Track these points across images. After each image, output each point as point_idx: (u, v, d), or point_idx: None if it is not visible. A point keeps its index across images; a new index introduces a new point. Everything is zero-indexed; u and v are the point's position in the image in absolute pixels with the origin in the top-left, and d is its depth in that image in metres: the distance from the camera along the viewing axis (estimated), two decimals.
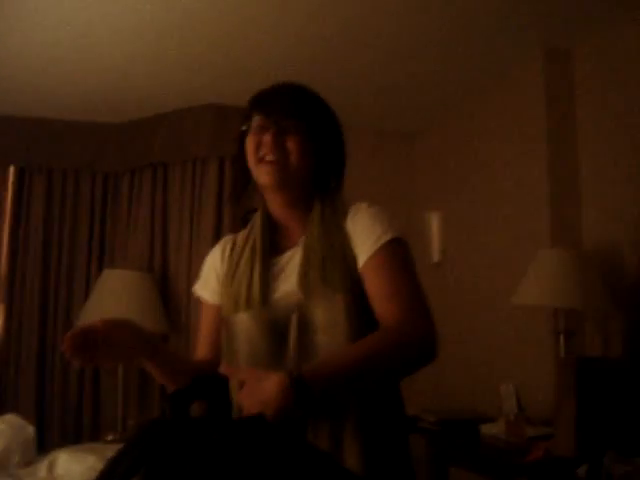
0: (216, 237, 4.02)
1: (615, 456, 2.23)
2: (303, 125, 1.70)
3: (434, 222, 4.39)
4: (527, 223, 3.55)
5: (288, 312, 1.54)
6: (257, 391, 1.37)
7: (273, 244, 1.79)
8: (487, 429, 3.01)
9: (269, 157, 1.69)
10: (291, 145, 1.69)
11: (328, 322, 1.55)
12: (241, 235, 1.85)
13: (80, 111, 4.38)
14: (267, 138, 1.69)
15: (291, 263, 1.71)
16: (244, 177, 1.80)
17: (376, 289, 1.60)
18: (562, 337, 3.06)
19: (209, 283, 1.88)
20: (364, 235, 1.65)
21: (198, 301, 1.93)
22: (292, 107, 1.71)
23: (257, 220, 1.82)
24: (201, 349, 1.88)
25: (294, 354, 1.52)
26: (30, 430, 3.30)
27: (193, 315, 4.06)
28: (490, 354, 3.72)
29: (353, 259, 1.64)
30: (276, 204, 1.79)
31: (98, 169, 4.55)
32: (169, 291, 4.32)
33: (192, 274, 4.13)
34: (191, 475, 0.99)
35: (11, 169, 4.47)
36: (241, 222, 1.91)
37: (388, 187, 4.56)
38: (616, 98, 3.22)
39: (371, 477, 1.54)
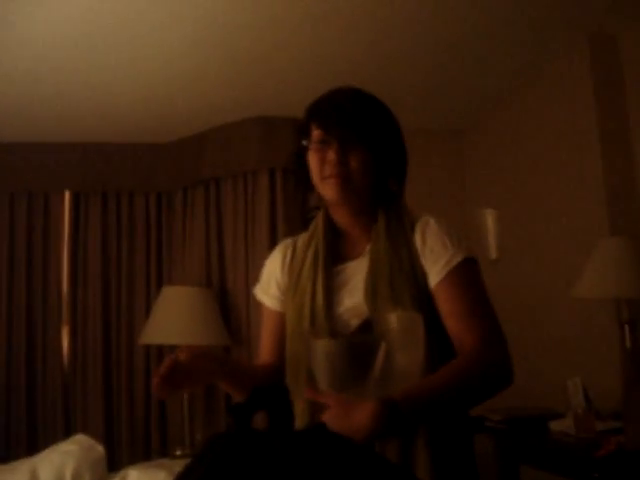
0: (271, 248, 4.02)
1: None
2: (364, 138, 1.69)
3: (489, 219, 4.34)
4: (584, 214, 3.48)
5: (374, 341, 1.49)
6: (346, 418, 1.36)
7: (336, 251, 1.79)
8: (556, 425, 2.96)
9: (334, 175, 1.69)
10: (354, 162, 1.68)
11: (406, 342, 1.53)
12: (302, 239, 1.84)
13: (130, 133, 4.45)
14: (330, 156, 1.69)
15: (356, 274, 1.70)
16: (307, 187, 1.81)
17: (451, 310, 1.61)
18: (627, 327, 3.00)
19: (270, 289, 1.90)
20: (436, 254, 1.64)
21: (259, 304, 1.94)
22: (352, 120, 1.69)
23: (319, 224, 1.82)
24: (264, 353, 1.89)
25: (377, 379, 1.49)
26: (100, 449, 3.35)
27: (253, 327, 4.09)
28: (554, 349, 3.66)
29: (423, 276, 1.64)
30: (339, 214, 1.80)
31: (151, 189, 4.62)
32: (228, 304, 4.36)
33: (250, 286, 4.14)
34: None
35: (67, 194, 4.56)
36: (302, 222, 1.90)
37: (439, 186, 4.53)
38: None
39: None
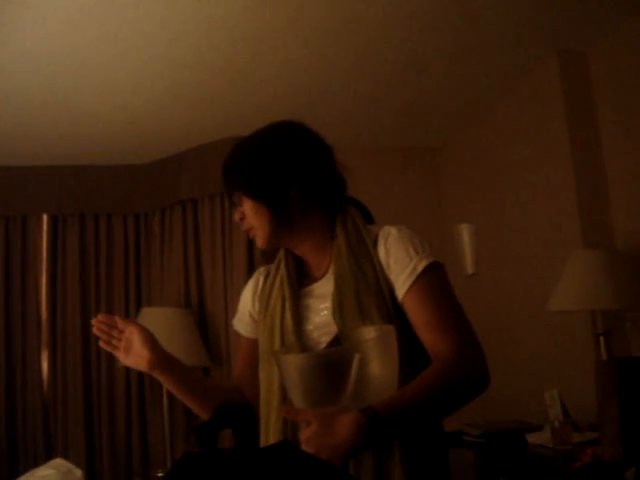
0: (249, 268, 4.06)
1: None
2: (243, 194, 1.70)
3: (465, 234, 4.37)
4: (558, 227, 3.52)
5: (348, 353, 1.46)
6: (327, 433, 1.35)
7: (302, 273, 1.79)
8: (534, 438, 2.98)
9: (245, 231, 1.76)
10: (246, 212, 1.71)
11: (380, 353, 1.49)
12: (274, 266, 1.85)
13: (107, 156, 4.47)
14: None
15: (323, 293, 1.70)
16: None
17: (421, 319, 1.59)
18: (602, 339, 3.03)
19: (243, 317, 1.91)
20: (399, 265, 1.63)
21: (237, 334, 1.95)
22: (229, 181, 1.73)
23: (281, 253, 1.83)
24: (237, 381, 1.90)
25: (352, 391, 1.45)
26: (78, 474, 3.33)
27: (232, 347, 4.10)
28: (532, 362, 3.69)
29: (388, 288, 1.63)
30: (291, 249, 1.80)
31: (129, 210, 4.63)
32: (207, 325, 4.36)
33: (228, 307, 4.17)
34: None
35: (44, 217, 4.56)
36: (264, 255, 1.92)
37: (415, 203, 4.57)
38: (635, 95, 3.20)
39: None
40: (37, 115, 3.78)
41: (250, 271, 4.11)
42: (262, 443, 1.67)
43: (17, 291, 4.42)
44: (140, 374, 4.32)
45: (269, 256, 1.86)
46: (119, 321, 1.77)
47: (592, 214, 3.38)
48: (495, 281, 4.13)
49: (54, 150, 4.31)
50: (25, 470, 3.55)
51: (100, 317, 1.78)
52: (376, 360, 1.47)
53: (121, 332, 1.77)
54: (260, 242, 1.73)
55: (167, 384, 1.79)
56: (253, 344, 1.84)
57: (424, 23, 3.13)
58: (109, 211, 4.60)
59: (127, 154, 4.47)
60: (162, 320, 4.09)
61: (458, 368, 1.52)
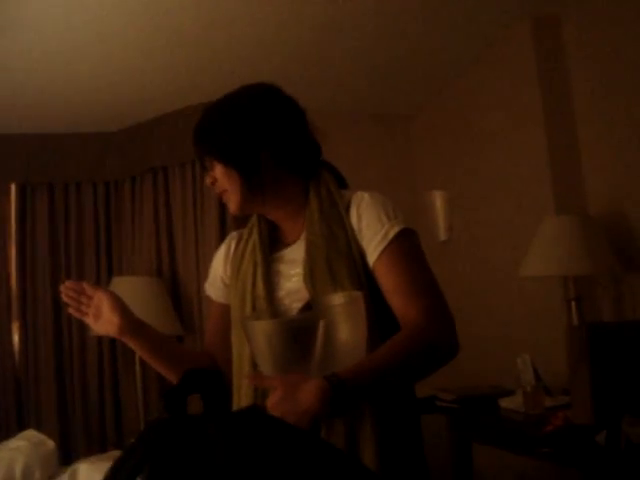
0: (221, 235, 4.02)
1: (632, 420, 2.21)
2: (214, 157, 1.69)
3: (438, 201, 4.37)
4: (530, 193, 3.53)
5: (313, 319, 1.46)
6: (292, 399, 1.36)
7: (275, 239, 1.78)
8: (506, 403, 3.00)
9: (218, 196, 1.76)
10: (218, 178, 1.70)
11: (347, 319, 1.49)
12: (246, 231, 1.84)
13: (77, 123, 4.38)
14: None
15: (295, 259, 1.69)
16: None
17: (392, 285, 1.59)
18: (574, 304, 3.05)
19: (215, 282, 1.90)
20: (371, 230, 1.62)
21: (208, 299, 1.95)
22: (199, 146, 1.72)
23: (254, 219, 1.82)
24: (207, 346, 1.90)
25: (319, 358, 1.45)
26: (50, 445, 3.32)
27: (205, 315, 4.07)
28: (504, 328, 3.71)
29: (360, 254, 1.62)
30: (263, 214, 1.79)
31: (99, 179, 4.56)
32: (180, 294, 4.33)
33: (201, 275, 4.14)
34: (192, 473, 0.99)
35: (12, 186, 4.49)
36: (236, 220, 1.91)
37: (389, 170, 4.55)
38: (608, 60, 3.19)
39: (386, 473, 1.53)
40: (3, 82, 3.69)
41: (222, 239, 4.04)
42: (234, 409, 1.67)
43: None
44: (112, 343, 4.29)
45: (241, 221, 1.86)
46: (87, 287, 1.77)
47: (564, 180, 3.38)
48: (468, 247, 4.13)
49: (21, 118, 4.22)
50: None
51: (68, 284, 1.78)
52: (343, 326, 1.47)
53: (90, 298, 1.76)
54: (232, 207, 1.71)
55: (138, 349, 1.79)
56: (224, 309, 1.84)
57: None
58: (78, 180, 4.53)
59: (97, 122, 4.40)
60: (134, 289, 4.06)
61: (426, 335, 1.52)
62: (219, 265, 1.90)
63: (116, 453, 3.49)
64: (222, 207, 4.15)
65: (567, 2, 3.32)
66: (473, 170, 4.05)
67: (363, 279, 1.60)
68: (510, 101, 3.67)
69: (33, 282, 4.41)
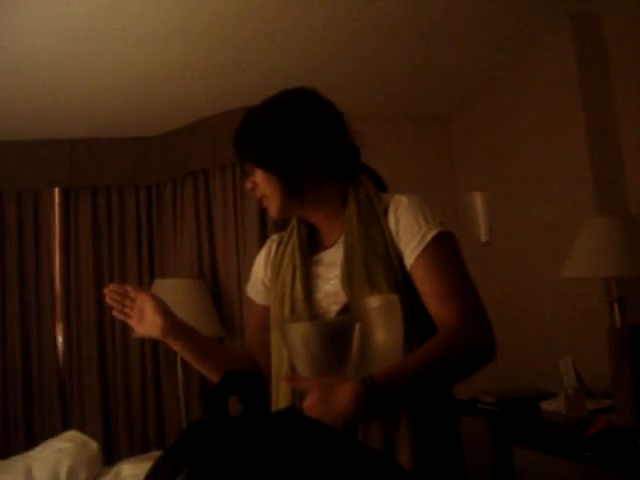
0: (262, 237, 4.05)
1: None
2: (254, 163, 1.71)
3: (479, 202, 4.34)
4: (571, 193, 3.49)
5: (349, 322, 1.47)
6: (328, 402, 1.36)
7: (314, 242, 1.80)
8: (547, 405, 2.97)
9: (258, 201, 1.78)
10: (259, 183, 1.72)
11: (384, 322, 1.50)
12: (286, 233, 1.86)
13: (118, 127, 4.44)
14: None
15: (333, 262, 1.71)
16: None
17: (429, 288, 1.59)
18: (616, 306, 3.01)
19: (256, 284, 1.93)
20: (409, 233, 1.63)
21: (249, 300, 1.97)
22: (240, 152, 1.74)
23: (293, 222, 1.84)
24: (248, 348, 1.93)
25: (356, 360, 1.47)
26: (94, 446, 3.36)
27: (246, 317, 4.10)
28: (546, 329, 3.68)
29: (398, 257, 1.63)
30: (303, 217, 1.81)
31: (140, 182, 4.62)
32: (221, 295, 4.36)
33: (242, 277, 4.17)
34: (231, 474, 1.00)
35: (56, 190, 4.57)
36: (276, 224, 1.92)
37: (428, 171, 4.54)
38: None
39: (423, 474, 1.53)
40: (47, 89, 3.75)
41: (262, 241, 4.09)
42: (272, 409, 1.69)
43: (31, 265, 4.43)
44: (155, 344, 4.34)
45: (281, 224, 1.87)
46: (130, 290, 1.79)
47: (606, 180, 3.34)
48: (509, 249, 4.10)
49: (65, 124, 4.28)
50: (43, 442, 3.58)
51: (112, 286, 1.80)
52: (380, 329, 1.48)
53: (133, 301, 1.79)
54: (273, 211, 1.74)
55: (180, 350, 1.82)
56: (265, 311, 1.86)
57: None
58: (121, 183, 4.60)
59: (138, 126, 4.45)
60: (175, 291, 4.10)
61: (463, 338, 1.52)
62: (260, 267, 1.92)
63: (158, 454, 3.52)
64: (262, 210, 4.16)
65: (607, 0, 3.28)
66: (513, 171, 4.02)
67: (401, 282, 1.61)
68: (550, 101, 3.64)
69: (77, 284, 4.48)
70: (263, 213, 4.15)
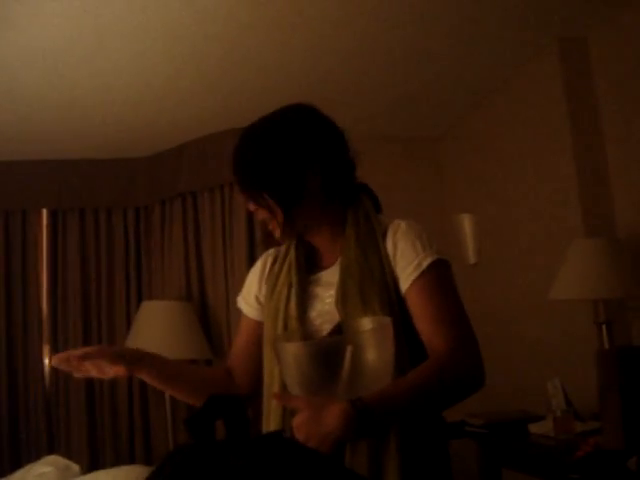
0: (250, 259, 4.05)
1: None
2: (255, 190, 1.67)
3: (467, 223, 4.35)
4: (559, 216, 3.50)
5: (340, 343, 1.47)
6: (316, 421, 1.36)
7: (312, 261, 1.80)
8: (536, 428, 2.97)
9: (260, 220, 1.76)
10: (261, 207, 1.69)
11: (375, 344, 1.50)
12: (283, 249, 1.85)
13: (106, 149, 4.45)
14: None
15: (329, 282, 1.71)
16: None
17: (422, 313, 1.60)
18: (604, 328, 3.01)
19: (248, 297, 1.90)
20: (406, 258, 1.64)
21: (240, 313, 1.94)
22: (241, 179, 1.70)
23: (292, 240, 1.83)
24: (231, 359, 1.91)
25: (346, 381, 1.44)
26: (76, 469, 3.31)
27: (234, 339, 4.09)
28: (534, 351, 3.67)
29: (393, 281, 1.64)
30: (304, 238, 1.80)
31: (129, 204, 4.62)
32: (209, 318, 4.35)
33: (230, 299, 4.16)
34: None
35: (44, 211, 4.56)
36: (267, 239, 1.88)
37: (417, 193, 4.55)
38: (637, 81, 3.17)
39: None
40: (35, 110, 3.76)
41: (251, 263, 4.06)
42: (263, 428, 1.70)
43: (18, 286, 4.41)
44: None
45: (273, 240, 1.81)
46: (75, 354, 1.71)
47: (593, 202, 3.35)
48: (497, 271, 4.11)
49: (53, 145, 4.30)
50: (28, 462, 3.53)
51: (56, 359, 1.71)
52: (371, 351, 1.48)
53: (81, 360, 1.71)
54: (276, 234, 1.72)
55: (148, 381, 1.80)
56: (254, 325, 1.85)
57: (424, 12, 3.10)
58: (109, 205, 4.60)
59: (126, 148, 4.46)
60: (163, 313, 4.09)
61: (452, 364, 1.53)
62: (254, 282, 1.90)
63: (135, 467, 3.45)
64: (251, 232, 4.18)
65: (594, 23, 3.31)
66: (502, 193, 4.03)
67: (395, 305, 1.62)
68: (538, 123, 3.66)
69: (64, 306, 4.46)
70: (251, 235, 4.16)
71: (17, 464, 3.99)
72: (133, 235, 4.61)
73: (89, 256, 4.54)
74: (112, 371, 1.74)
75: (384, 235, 1.69)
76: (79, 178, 4.54)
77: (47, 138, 4.18)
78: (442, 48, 3.46)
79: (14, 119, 3.83)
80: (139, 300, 4.47)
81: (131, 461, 4.30)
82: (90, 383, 4.37)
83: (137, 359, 1.76)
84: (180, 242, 4.46)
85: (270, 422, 1.68)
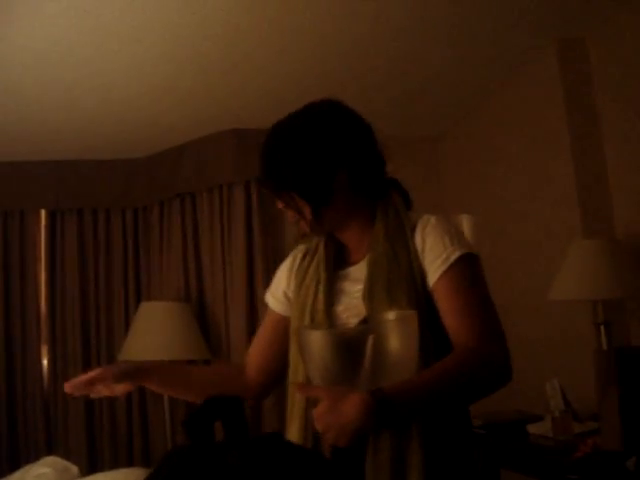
0: (249, 260, 4.07)
1: None
2: (285, 189, 1.68)
3: (465, 224, 4.34)
4: (557, 217, 3.50)
5: (363, 332, 1.47)
6: (336, 411, 1.36)
7: (341, 257, 1.80)
8: (534, 429, 2.97)
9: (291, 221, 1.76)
10: (284, 205, 1.71)
11: (398, 336, 1.49)
12: (313, 245, 1.85)
13: (105, 150, 4.45)
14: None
15: (357, 278, 1.71)
16: None
17: (449, 306, 1.60)
18: (602, 329, 3.01)
19: (276, 291, 1.92)
20: (434, 252, 1.63)
21: (267, 307, 1.96)
22: (269, 178, 1.70)
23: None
24: (251, 351, 1.93)
25: (368, 372, 1.44)
26: (74, 470, 3.30)
27: (233, 340, 4.10)
28: (533, 352, 3.66)
29: (421, 275, 1.63)
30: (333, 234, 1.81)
31: (127, 204, 4.62)
32: (207, 318, 4.34)
33: (228, 299, 4.17)
34: None
35: (42, 212, 4.56)
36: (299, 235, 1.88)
37: (416, 193, 4.50)
38: (635, 82, 3.18)
39: None
40: (33, 111, 3.76)
41: (250, 264, 4.12)
42: (287, 421, 1.73)
43: (16, 287, 4.41)
44: None
45: (304, 235, 1.83)
46: (82, 379, 1.79)
47: (592, 203, 3.36)
48: (495, 271, 4.07)
49: (51, 145, 4.28)
50: (27, 463, 3.52)
51: (68, 389, 1.80)
52: (394, 342, 1.47)
53: (90, 384, 1.79)
54: (305, 230, 1.74)
55: (160, 391, 1.93)
56: (279, 320, 1.88)
57: (422, 13, 3.10)
58: (107, 206, 4.59)
59: (124, 148, 4.45)
60: (162, 314, 4.09)
61: (478, 357, 1.52)
62: (282, 277, 1.91)
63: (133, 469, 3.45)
64: (249, 233, 4.18)
65: (593, 24, 3.31)
66: (500, 194, 4.03)
67: (422, 300, 1.61)
68: (537, 124, 3.66)
69: (62, 306, 4.45)
70: (250, 236, 4.16)
71: (16, 465, 3.98)
72: (131, 236, 4.60)
73: (87, 257, 4.53)
74: (121, 389, 1.82)
75: (413, 230, 1.69)
76: (77, 179, 4.54)
77: (46, 139, 4.16)
78: (441, 48, 3.46)
79: (11, 120, 3.82)
80: (138, 300, 4.47)
81: (129, 462, 4.30)
82: None
83: (142, 373, 1.83)
84: (179, 243, 4.45)
85: (294, 415, 1.70)
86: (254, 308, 4.06)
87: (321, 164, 1.66)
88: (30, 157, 4.42)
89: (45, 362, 4.42)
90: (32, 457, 3.91)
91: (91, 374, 1.77)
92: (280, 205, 1.72)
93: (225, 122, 4.12)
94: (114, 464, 4.26)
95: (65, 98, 3.65)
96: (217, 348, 4.25)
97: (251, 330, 3.90)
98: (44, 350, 4.44)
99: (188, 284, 4.41)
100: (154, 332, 4.02)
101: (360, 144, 1.73)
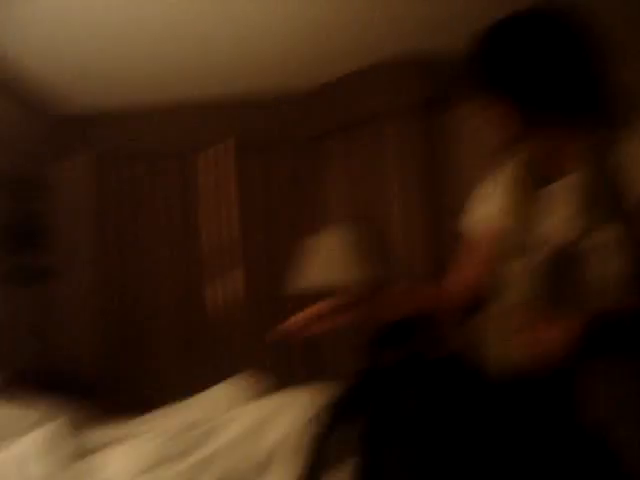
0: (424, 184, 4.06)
1: None
2: (497, 93, 1.64)
3: None
4: None
5: (569, 254, 1.43)
6: (542, 337, 1.33)
7: (542, 175, 1.73)
8: None
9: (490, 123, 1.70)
10: (490, 110, 1.66)
11: (605, 257, 1.44)
12: (516, 162, 1.80)
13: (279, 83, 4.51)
14: None
15: (560, 196, 1.65)
16: None
17: None
18: None
19: (484, 208, 1.89)
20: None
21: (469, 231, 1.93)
22: (483, 81, 1.65)
23: (525, 154, 1.78)
24: (454, 272, 1.93)
25: (575, 293, 1.42)
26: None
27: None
28: None
29: (628, 191, 1.52)
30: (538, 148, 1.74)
31: (305, 135, 4.67)
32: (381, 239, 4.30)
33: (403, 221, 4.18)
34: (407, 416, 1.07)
35: (231, 146, 4.65)
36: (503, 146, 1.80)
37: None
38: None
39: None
40: (207, 51, 3.90)
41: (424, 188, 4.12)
42: (489, 342, 1.68)
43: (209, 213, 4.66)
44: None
45: (508, 147, 1.79)
46: (308, 317, 1.81)
47: None
48: None
49: (226, 82, 4.45)
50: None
51: (292, 327, 1.82)
52: (601, 265, 1.43)
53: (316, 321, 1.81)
54: (507, 139, 1.70)
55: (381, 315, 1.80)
56: (488, 235, 1.83)
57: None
58: (292, 138, 4.69)
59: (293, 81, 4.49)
60: (337, 240, 4.12)
61: None
62: (489, 193, 1.88)
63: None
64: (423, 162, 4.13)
65: None
66: None
67: (629, 219, 1.50)
68: None
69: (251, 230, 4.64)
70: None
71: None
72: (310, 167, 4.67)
73: (275, 186, 4.68)
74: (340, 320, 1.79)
75: (621, 144, 1.58)
76: (261, 111, 4.65)
77: (216, 73, 4.29)
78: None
79: (198, 53, 3.95)
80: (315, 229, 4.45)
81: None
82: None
83: (353, 302, 1.82)
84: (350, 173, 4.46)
85: (495, 338, 1.65)
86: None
87: (541, 70, 1.60)
88: (209, 92, 4.57)
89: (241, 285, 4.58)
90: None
91: (316, 308, 1.79)
92: (485, 115, 1.66)
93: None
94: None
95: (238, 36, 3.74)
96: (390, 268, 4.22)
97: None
98: (240, 273, 4.58)
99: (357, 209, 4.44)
100: (336, 257, 4.05)
101: (578, 56, 1.63)
